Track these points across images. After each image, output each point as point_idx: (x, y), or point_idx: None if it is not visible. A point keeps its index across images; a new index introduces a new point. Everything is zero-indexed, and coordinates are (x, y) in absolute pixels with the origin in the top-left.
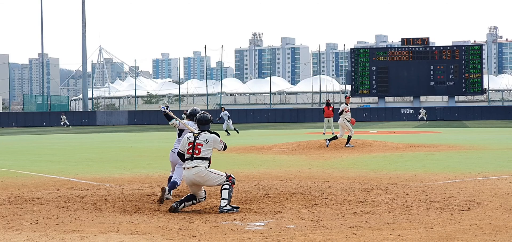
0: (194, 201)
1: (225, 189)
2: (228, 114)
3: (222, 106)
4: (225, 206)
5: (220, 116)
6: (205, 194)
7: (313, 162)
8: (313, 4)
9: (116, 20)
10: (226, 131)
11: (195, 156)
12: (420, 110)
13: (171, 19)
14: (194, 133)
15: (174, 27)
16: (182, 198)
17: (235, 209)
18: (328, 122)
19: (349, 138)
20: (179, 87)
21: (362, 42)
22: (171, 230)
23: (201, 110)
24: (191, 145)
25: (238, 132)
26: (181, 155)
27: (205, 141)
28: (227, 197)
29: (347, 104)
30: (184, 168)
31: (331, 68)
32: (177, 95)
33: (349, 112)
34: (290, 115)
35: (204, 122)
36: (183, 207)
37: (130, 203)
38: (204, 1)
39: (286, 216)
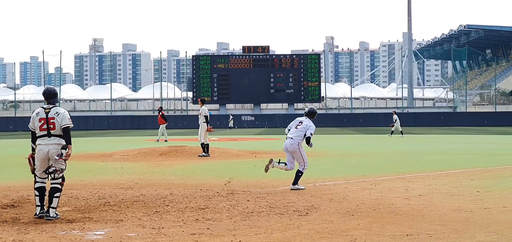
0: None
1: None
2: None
3: None
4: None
5: None
6: None
7: (155, 169)
8: (155, 11)
9: None
10: None
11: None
12: (230, 118)
13: (5, 23)
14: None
15: (9, 31)
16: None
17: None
18: (162, 129)
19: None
20: (15, 93)
21: (204, 50)
22: None
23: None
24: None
25: None
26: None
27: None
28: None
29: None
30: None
31: (173, 75)
32: (12, 102)
33: (201, 117)
34: (131, 122)
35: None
36: None
37: None
38: (42, 5)
39: (127, 224)
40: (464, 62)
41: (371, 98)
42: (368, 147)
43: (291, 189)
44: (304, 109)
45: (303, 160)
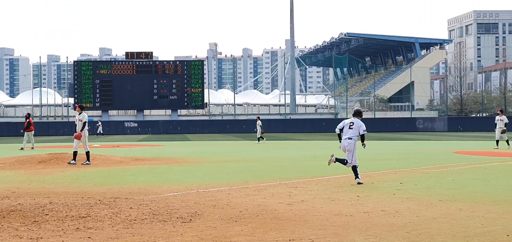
0: None
1: None
2: None
3: None
4: None
5: None
6: None
7: (33, 177)
8: (34, 14)
9: None
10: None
11: None
12: (97, 124)
13: None
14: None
15: None
16: None
17: None
18: (28, 136)
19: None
20: None
21: (85, 55)
22: None
23: None
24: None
25: None
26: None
27: None
28: None
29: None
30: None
31: (53, 80)
32: None
33: (80, 123)
34: (8, 129)
35: None
36: None
37: None
38: None
39: (2, 235)
40: (345, 69)
41: (254, 105)
42: (251, 153)
43: (358, 183)
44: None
45: (354, 158)
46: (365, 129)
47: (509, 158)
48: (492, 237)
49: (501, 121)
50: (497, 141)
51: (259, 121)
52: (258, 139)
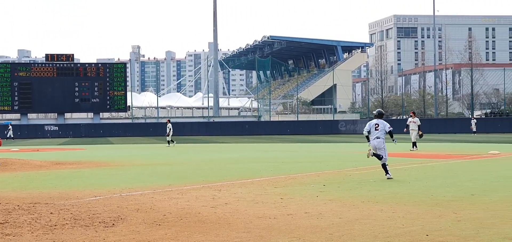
0: None
1: None
2: None
3: None
4: None
5: None
6: None
7: None
8: None
9: None
10: None
11: None
12: (9, 127)
13: None
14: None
15: None
16: None
17: None
18: None
19: None
20: None
21: (3, 57)
22: None
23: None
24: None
25: None
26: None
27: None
28: None
29: None
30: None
31: None
32: None
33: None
34: None
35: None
36: None
37: None
38: None
39: None
40: (268, 72)
41: (178, 108)
42: (175, 156)
43: (388, 178)
44: (373, 112)
45: (385, 154)
46: (389, 126)
47: (428, 159)
48: (412, 237)
49: (413, 123)
50: (414, 143)
51: (169, 124)
52: (168, 142)
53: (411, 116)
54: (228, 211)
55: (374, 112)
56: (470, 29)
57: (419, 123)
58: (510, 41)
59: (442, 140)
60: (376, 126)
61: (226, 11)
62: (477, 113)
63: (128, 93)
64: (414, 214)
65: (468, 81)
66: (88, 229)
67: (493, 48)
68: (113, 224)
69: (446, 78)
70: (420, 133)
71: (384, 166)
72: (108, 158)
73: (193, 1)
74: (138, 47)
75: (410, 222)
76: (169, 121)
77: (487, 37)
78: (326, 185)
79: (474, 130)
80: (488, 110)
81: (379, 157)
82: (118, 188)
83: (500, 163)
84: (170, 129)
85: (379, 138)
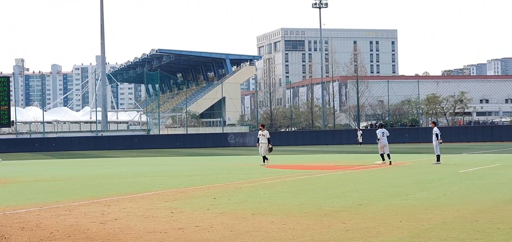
0: None
1: None
2: None
3: None
4: None
5: None
6: None
7: None
8: None
9: None
10: None
11: None
12: None
13: None
14: None
15: None
16: None
17: None
18: None
19: None
20: None
21: None
22: None
23: None
24: None
25: None
26: None
27: None
28: None
29: None
30: None
31: None
32: None
33: None
34: None
35: None
36: None
37: None
38: None
39: None
40: (157, 85)
41: (65, 122)
42: (62, 172)
43: (390, 163)
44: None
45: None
46: (388, 133)
47: (317, 170)
48: None
49: (263, 136)
50: (264, 157)
51: None
52: None
53: (260, 129)
54: (118, 227)
55: (380, 122)
56: (355, 42)
57: (268, 135)
58: (392, 54)
59: (330, 151)
60: (383, 133)
61: (113, 24)
62: (363, 124)
63: (12, 108)
64: (304, 225)
65: (354, 94)
66: None
67: (377, 61)
68: None
69: (333, 91)
70: (270, 146)
71: (388, 155)
72: None
73: (79, 13)
74: (22, 60)
75: (300, 233)
76: None
77: (371, 50)
78: (217, 198)
79: (361, 141)
80: (374, 121)
81: (383, 157)
82: (2, 206)
83: (384, 173)
84: None
85: (387, 141)
